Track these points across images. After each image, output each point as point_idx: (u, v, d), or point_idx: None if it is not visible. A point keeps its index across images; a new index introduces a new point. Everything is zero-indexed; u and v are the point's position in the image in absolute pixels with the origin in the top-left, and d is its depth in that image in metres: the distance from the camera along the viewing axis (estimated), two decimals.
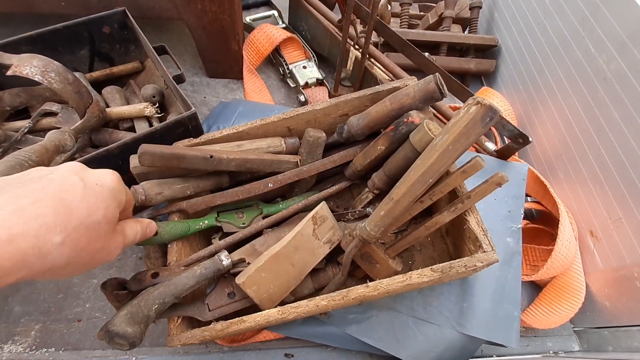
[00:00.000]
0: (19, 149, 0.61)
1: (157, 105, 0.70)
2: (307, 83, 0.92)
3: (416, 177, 0.46)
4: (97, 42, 0.72)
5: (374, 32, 0.78)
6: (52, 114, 0.64)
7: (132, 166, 0.53)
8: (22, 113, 0.68)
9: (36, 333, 0.60)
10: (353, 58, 0.88)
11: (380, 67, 0.84)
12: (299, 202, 0.62)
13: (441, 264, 0.44)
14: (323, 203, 0.57)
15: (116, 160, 0.55)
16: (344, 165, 0.64)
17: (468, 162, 0.45)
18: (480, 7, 1.03)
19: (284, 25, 1.04)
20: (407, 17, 1.03)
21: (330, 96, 0.91)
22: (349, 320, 0.58)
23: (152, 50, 0.67)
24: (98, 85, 0.73)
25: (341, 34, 0.88)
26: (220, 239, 0.59)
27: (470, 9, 1.03)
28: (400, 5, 1.03)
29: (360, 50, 0.82)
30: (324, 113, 0.62)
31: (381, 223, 0.49)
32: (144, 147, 0.49)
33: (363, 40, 0.78)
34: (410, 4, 1.03)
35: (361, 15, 0.82)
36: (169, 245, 0.53)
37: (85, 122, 0.60)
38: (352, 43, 0.82)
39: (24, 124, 0.63)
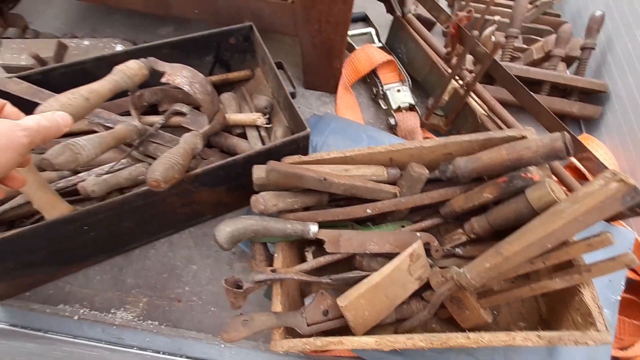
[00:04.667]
0: (152, 141, 0.70)
1: (267, 116, 0.76)
2: (399, 107, 0.93)
3: (534, 239, 0.46)
4: (221, 51, 0.79)
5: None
6: (181, 113, 0.72)
7: (255, 177, 0.58)
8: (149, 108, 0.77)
9: (144, 305, 0.68)
10: (452, 89, 0.87)
11: (479, 101, 0.83)
12: (391, 229, 0.64)
13: (549, 333, 0.44)
14: (419, 241, 0.58)
15: (240, 168, 0.61)
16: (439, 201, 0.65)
17: (596, 236, 0.45)
18: (593, 49, 0.97)
19: (380, 45, 1.05)
20: (511, 49, 1.00)
21: (422, 124, 0.91)
22: (425, 356, 0.60)
23: (272, 65, 0.73)
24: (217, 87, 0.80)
25: (444, 65, 0.89)
26: (312, 252, 0.64)
27: (581, 49, 0.98)
28: (505, 37, 1.00)
29: (463, 84, 0.82)
30: (430, 150, 0.63)
31: (484, 275, 0.50)
32: (272, 165, 0.54)
33: (467, 72, 0.78)
34: (517, 37, 1.00)
35: (470, 48, 0.81)
36: (275, 254, 0.58)
37: (212, 127, 0.67)
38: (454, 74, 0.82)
39: (156, 119, 0.72)
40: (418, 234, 0.62)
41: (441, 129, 0.92)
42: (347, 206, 0.69)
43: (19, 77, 0.62)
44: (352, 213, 0.62)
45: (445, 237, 0.67)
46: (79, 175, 0.66)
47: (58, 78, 0.66)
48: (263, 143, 0.74)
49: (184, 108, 0.72)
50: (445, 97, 0.89)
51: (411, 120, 0.91)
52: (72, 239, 0.59)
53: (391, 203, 0.62)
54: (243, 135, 0.75)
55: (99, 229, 0.59)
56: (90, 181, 0.64)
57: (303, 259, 0.65)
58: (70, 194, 0.66)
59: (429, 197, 0.63)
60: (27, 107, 0.46)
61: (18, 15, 1.01)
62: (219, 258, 0.74)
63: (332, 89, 1.00)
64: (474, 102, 0.84)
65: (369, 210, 0.62)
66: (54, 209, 0.62)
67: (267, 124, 0.76)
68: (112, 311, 0.68)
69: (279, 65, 0.74)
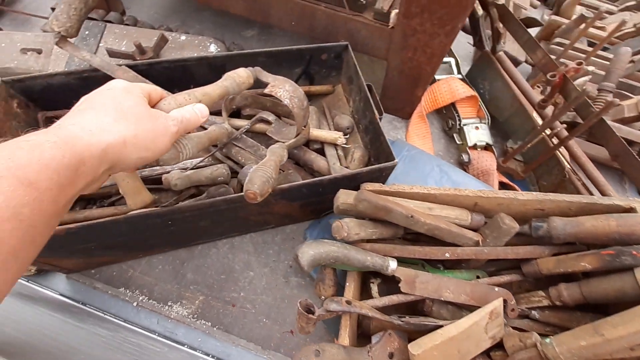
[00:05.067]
0: (235, 144, 0.71)
1: (347, 136, 0.75)
2: (475, 144, 0.90)
3: None
4: (311, 64, 0.79)
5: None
6: (266, 121, 0.72)
7: (340, 201, 0.57)
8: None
9: (199, 303, 0.69)
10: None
11: (566, 154, 0.79)
12: (465, 278, 0.61)
13: None
14: (501, 299, 0.55)
15: (322, 188, 0.61)
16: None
17: None
18: None
19: (460, 77, 1.03)
20: (603, 104, 0.94)
21: (499, 166, 0.87)
22: None
23: (363, 87, 0.72)
24: None
25: (529, 105, 0.85)
26: (377, 285, 0.62)
27: None
28: (597, 90, 0.95)
29: (552, 133, 0.78)
30: (522, 203, 0.60)
31: (577, 353, 0.46)
32: (365, 195, 0.52)
33: (560, 123, 0.74)
34: (611, 92, 0.94)
35: (575, 104, 0.76)
36: (347, 283, 0.57)
37: (297, 140, 0.67)
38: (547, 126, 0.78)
39: (242, 123, 0.73)
40: (496, 288, 0.59)
41: (518, 175, 0.88)
42: (418, 241, 0.67)
43: (128, 66, 0.65)
44: (430, 254, 0.59)
45: (522, 295, 0.63)
46: (163, 166, 0.68)
47: (160, 71, 0.68)
48: (340, 163, 0.73)
49: (270, 117, 0.72)
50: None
51: (487, 161, 0.87)
52: (154, 231, 0.60)
53: (472, 251, 0.59)
54: (321, 151, 0.75)
55: (180, 225, 0.60)
56: (174, 174, 0.65)
57: (367, 290, 0.63)
58: (151, 181, 0.68)
59: (513, 253, 0.60)
60: None
61: None
62: (276, 269, 0.74)
63: (406, 115, 0.98)
64: (561, 155, 0.80)
65: (447, 254, 0.59)
66: (138, 196, 0.64)
67: (345, 145, 0.75)
68: (169, 304, 0.68)
69: (369, 88, 0.73)
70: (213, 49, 0.87)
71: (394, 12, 0.72)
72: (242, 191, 0.71)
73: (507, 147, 0.90)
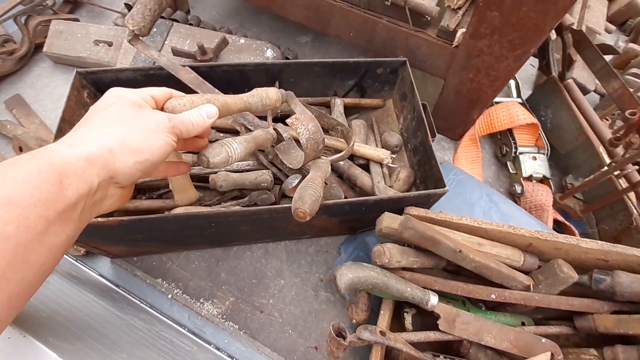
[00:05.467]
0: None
1: (394, 155, 0.73)
2: (530, 176, 0.84)
3: None
4: (365, 77, 0.78)
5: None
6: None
7: (384, 224, 0.55)
8: None
9: (229, 304, 0.70)
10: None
11: (634, 201, 0.71)
12: (509, 322, 0.57)
13: None
14: (548, 353, 0.50)
15: (366, 207, 0.59)
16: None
17: None
18: None
19: (520, 101, 0.97)
20: None
21: (554, 203, 0.81)
22: None
23: (418, 106, 0.69)
24: (346, 110, 0.80)
25: (600, 144, 0.78)
26: (411, 315, 0.59)
27: None
28: None
29: (620, 174, 0.70)
30: (584, 251, 0.55)
31: None
32: (413, 223, 0.50)
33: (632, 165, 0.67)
34: None
35: None
36: (382, 311, 0.54)
37: (342, 156, 0.66)
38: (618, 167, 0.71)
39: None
40: (542, 339, 0.54)
41: (576, 214, 0.81)
42: (460, 274, 0.63)
43: (190, 67, 0.67)
44: (474, 292, 0.56)
45: (570, 350, 0.57)
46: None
47: (220, 74, 0.70)
48: (384, 181, 0.71)
49: (285, 133, 0.70)
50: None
51: (542, 195, 0.81)
52: (197, 229, 0.62)
53: (521, 296, 0.55)
54: (365, 167, 0.73)
55: (221, 227, 0.61)
56: (221, 176, 0.66)
57: (400, 318, 0.60)
58: (198, 179, 0.70)
59: (567, 304, 0.55)
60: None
61: None
62: (307, 280, 0.73)
63: (456, 136, 0.94)
64: (628, 199, 0.72)
65: (493, 295, 0.55)
66: (185, 193, 0.66)
67: (392, 164, 0.73)
68: (201, 301, 0.70)
69: (424, 108, 0.70)
70: (269, 54, 0.88)
71: (460, 32, 0.69)
72: (282, 199, 0.72)
73: (566, 183, 0.83)
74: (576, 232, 0.79)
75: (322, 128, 0.74)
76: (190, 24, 0.97)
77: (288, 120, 0.58)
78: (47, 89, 0.94)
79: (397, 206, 0.61)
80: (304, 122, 0.57)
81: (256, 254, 0.75)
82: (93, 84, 0.69)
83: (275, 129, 0.63)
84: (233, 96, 0.50)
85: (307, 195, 0.48)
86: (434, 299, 0.52)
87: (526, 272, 0.57)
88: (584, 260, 0.57)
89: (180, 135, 0.37)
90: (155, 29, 0.89)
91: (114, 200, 0.33)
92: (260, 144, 0.62)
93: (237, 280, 0.72)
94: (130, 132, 0.32)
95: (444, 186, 0.59)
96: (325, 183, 0.71)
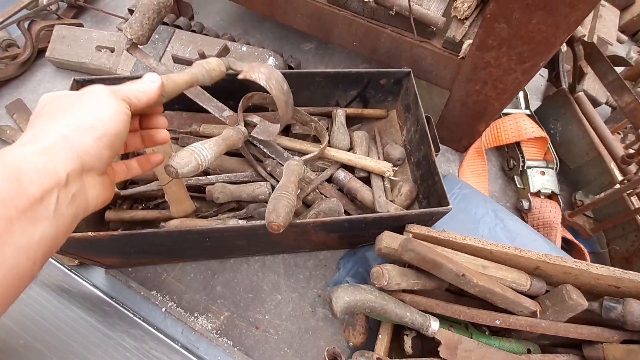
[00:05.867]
0: (270, 156, 0.69)
1: (397, 168, 0.70)
2: (538, 191, 0.81)
3: None
4: (368, 88, 0.76)
5: None
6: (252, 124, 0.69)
7: (384, 244, 0.53)
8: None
9: (224, 319, 0.68)
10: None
11: None
12: (514, 349, 0.54)
13: None
14: None
15: (365, 224, 0.57)
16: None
17: None
18: None
19: (528, 112, 0.94)
20: None
21: (563, 220, 0.78)
22: None
23: (422, 119, 0.67)
24: (348, 120, 0.78)
25: (611, 160, 0.75)
26: (411, 338, 0.57)
27: None
28: None
29: (636, 197, 0.67)
30: (595, 277, 0.52)
31: None
32: (413, 245, 0.48)
33: None
34: None
35: None
36: (380, 335, 0.52)
37: (314, 155, 0.65)
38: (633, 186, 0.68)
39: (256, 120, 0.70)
40: None
41: (585, 233, 0.78)
42: (463, 295, 0.61)
43: None
44: (477, 318, 0.53)
45: None
46: (209, 177, 0.68)
47: (220, 83, 0.68)
48: (386, 195, 0.69)
49: (255, 118, 0.69)
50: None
51: (550, 212, 0.78)
52: (192, 243, 0.60)
53: (527, 322, 0.52)
54: (366, 180, 0.71)
55: (217, 241, 0.60)
56: (217, 187, 0.65)
57: (399, 340, 0.58)
58: (195, 190, 0.68)
59: (576, 332, 0.52)
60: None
61: (188, 4, 1.11)
62: (304, 296, 0.71)
63: (461, 148, 0.92)
64: None
65: (498, 321, 0.52)
66: (181, 205, 0.65)
67: (393, 177, 0.71)
68: (195, 315, 0.68)
69: (428, 121, 0.68)
70: (271, 61, 0.87)
71: (466, 43, 0.66)
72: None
73: (575, 200, 0.80)
74: (585, 251, 0.75)
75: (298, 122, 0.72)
76: (193, 31, 0.96)
77: (240, 76, 0.56)
78: None
79: (397, 224, 0.59)
80: (255, 70, 0.55)
81: (253, 267, 0.73)
82: None
83: (245, 122, 0.63)
84: (176, 72, 0.49)
85: (281, 207, 0.47)
86: (434, 325, 0.50)
87: (533, 297, 0.55)
88: (594, 285, 0.54)
89: (128, 101, 0.34)
90: (157, 35, 0.88)
91: (98, 190, 0.31)
92: (232, 145, 0.59)
93: (232, 294, 0.70)
94: (77, 113, 0.30)
95: (448, 204, 0.57)
96: (325, 196, 0.70)
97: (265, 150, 0.69)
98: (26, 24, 0.96)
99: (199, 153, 0.45)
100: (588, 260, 0.75)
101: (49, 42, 0.94)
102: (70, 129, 0.29)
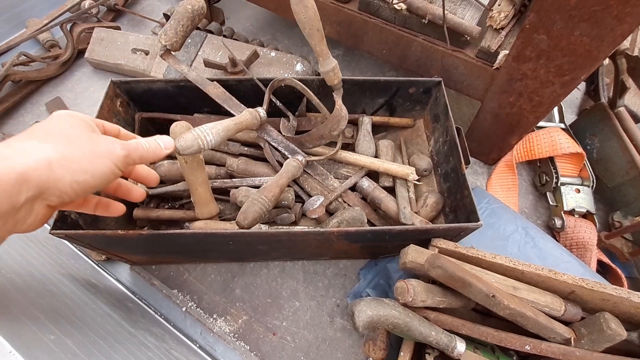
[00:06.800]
0: (306, 171, 0.69)
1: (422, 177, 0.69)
2: (573, 210, 0.77)
3: None
4: (396, 96, 0.75)
5: None
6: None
7: (409, 258, 0.52)
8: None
9: (242, 323, 0.68)
10: None
11: None
12: None
13: None
14: None
15: (389, 235, 0.56)
16: None
17: None
18: None
19: (563, 126, 0.90)
20: None
21: (599, 241, 0.74)
22: None
23: (452, 130, 0.65)
24: (373, 128, 0.77)
25: None
26: (434, 358, 0.55)
27: None
28: None
29: None
30: (635, 306, 0.49)
31: None
32: (442, 262, 0.46)
33: None
34: None
35: None
36: (402, 353, 0.51)
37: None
38: None
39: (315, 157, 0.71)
40: None
41: (623, 256, 0.73)
42: (490, 316, 0.58)
43: (219, 81, 0.67)
44: (506, 341, 0.50)
45: None
46: (233, 180, 0.69)
47: (248, 87, 0.69)
48: (411, 207, 0.68)
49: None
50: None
51: (585, 232, 0.74)
52: (214, 245, 0.61)
53: (560, 350, 0.49)
54: (392, 190, 0.70)
55: (239, 245, 0.60)
56: (241, 191, 0.65)
57: (420, 359, 0.56)
58: (219, 192, 0.69)
59: None
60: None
61: (220, 9, 1.14)
62: (322, 304, 0.70)
63: (490, 161, 0.89)
64: None
65: (528, 347, 0.50)
66: (206, 207, 0.65)
67: (418, 182, 0.69)
68: (214, 316, 0.68)
69: (458, 131, 0.66)
70: (299, 68, 0.87)
71: (502, 53, 0.64)
72: (302, 218, 0.70)
73: (613, 220, 0.76)
74: (623, 276, 0.71)
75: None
76: (225, 35, 0.98)
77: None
78: (85, 93, 0.98)
79: (423, 237, 0.57)
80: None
81: (272, 272, 0.73)
82: (126, 93, 0.70)
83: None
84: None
85: (251, 212, 0.51)
86: (460, 347, 0.48)
87: (566, 323, 0.52)
88: (634, 314, 0.50)
89: (132, 164, 0.35)
90: (189, 40, 0.90)
91: (37, 219, 0.30)
92: (244, 127, 0.60)
93: (251, 298, 0.70)
94: (76, 150, 0.31)
95: (478, 220, 0.55)
96: (348, 204, 0.69)
97: (273, 143, 0.68)
98: (68, 27, 1.01)
99: (204, 138, 0.48)
100: (625, 286, 0.71)
101: (88, 43, 0.99)
102: (60, 160, 0.29)
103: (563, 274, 0.51)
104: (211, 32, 0.97)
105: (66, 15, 1.04)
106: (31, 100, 0.97)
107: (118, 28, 1.06)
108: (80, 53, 1.02)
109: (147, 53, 0.94)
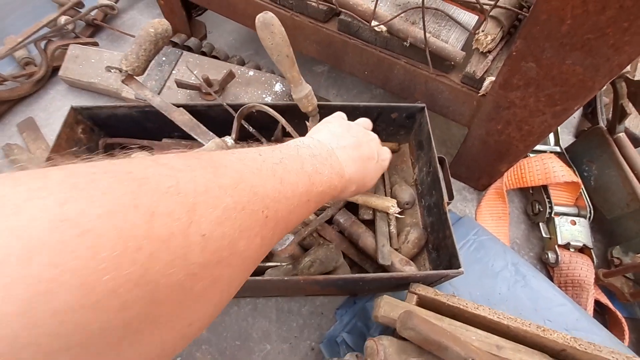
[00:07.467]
0: None
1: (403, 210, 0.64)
2: (568, 244, 0.72)
3: None
4: (378, 121, 0.70)
5: None
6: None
7: (381, 313, 0.47)
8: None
9: None
10: None
11: None
12: None
13: None
14: None
15: (364, 283, 0.51)
16: None
17: None
18: None
19: (558, 149, 0.85)
20: None
21: (596, 279, 0.68)
22: None
23: (434, 158, 0.61)
24: None
25: None
26: None
27: None
28: None
29: None
30: None
31: None
32: (414, 322, 0.41)
33: None
34: None
35: None
36: None
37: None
38: None
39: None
40: None
41: (623, 296, 0.67)
42: None
43: (186, 107, 0.62)
44: None
45: None
46: None
47: (219, 112, 0.65)
48: (391, 243, 0.63)
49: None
50: None
51: (581, 269, 0.69)
52: None
53: None
54: (371, 224, 0.65)
55: None
56: None
57: None
58: None
59: None
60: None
61: (202, 23, 1.10)
62: (296, 348, 0.65)
63: (480, 187, 0.84)
64: None
65: None
66: None
67: (400, 215, 0.64)
68: (177, 359, 0.64)
69: (441, 163, 0.61)
70: (278, 88, 0.83)
71: (488, 80, 0.60)
72: (272, 257, 0.65)
73: (612, 257, 0.70)
74: (623, 319, 0.65)
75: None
76: (203, 52, 0.94)
77: None
78: (58, 113, 0.94)
79: (400, 283, 0.52)
80: None
81: (243, 310, 0.68)
82: (89, 118, 0.66)
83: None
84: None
85: None
86: None
87: None
88: None
89: None
90: (164, 58, 0.86)
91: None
92: None
93: (219, 341, 0.65)
94: (367, 176, 0.43)
95: (459, 266, 0.50)
96: (326, 239, 0.64)
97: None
98: (43, 44, 0.98)
99: None
100: (626, 330, 0.65)
101: (63, 61, 0.95)
102: (357, 182, 0.42)
103: (553, 331, 0.46)
104: (190, 48, 0.93)
105: (44, 31, 1.01)
106: (3, 120, 0.93)
107: (96, 44, 1.03)
108: (56, 70, 0.98)
109: (120, 71, 0.90)
